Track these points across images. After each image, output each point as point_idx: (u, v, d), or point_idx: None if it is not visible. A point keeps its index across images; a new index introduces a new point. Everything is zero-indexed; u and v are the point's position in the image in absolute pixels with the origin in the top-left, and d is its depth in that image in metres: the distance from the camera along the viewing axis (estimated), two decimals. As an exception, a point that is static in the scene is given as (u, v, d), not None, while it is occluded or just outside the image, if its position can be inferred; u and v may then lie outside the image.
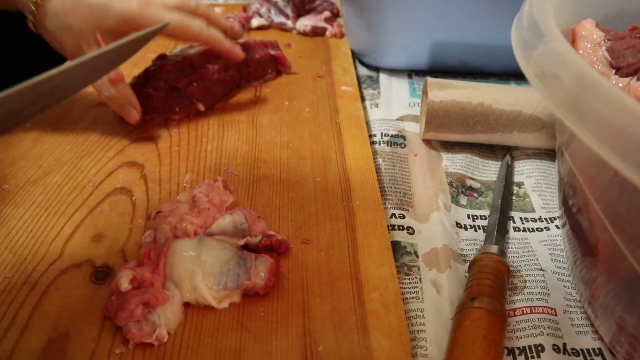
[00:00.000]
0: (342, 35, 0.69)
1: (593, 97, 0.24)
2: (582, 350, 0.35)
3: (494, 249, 0.39)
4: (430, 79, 0.51)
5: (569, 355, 0.34)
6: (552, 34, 0.28)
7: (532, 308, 0.37)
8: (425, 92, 0.53)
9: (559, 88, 0.26)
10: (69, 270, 0.37)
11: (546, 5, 0.34)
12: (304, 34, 0.69)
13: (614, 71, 0.34)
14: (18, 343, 0.32)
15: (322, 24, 0.69)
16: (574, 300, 0.38)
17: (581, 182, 0.31)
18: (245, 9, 0.74)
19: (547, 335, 0.35)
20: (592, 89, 0.25)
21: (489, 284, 0.36)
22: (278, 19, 0.70)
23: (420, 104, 0.54)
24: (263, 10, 0.71)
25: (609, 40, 0.35)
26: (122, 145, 0.49)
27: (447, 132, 0.50)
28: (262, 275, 0.34)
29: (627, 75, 0.33)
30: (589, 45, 0.36)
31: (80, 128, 0.52)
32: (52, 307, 0.34)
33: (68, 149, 0.49)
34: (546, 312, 0.37)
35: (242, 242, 0.37)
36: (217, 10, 0.79)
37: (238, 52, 0.52)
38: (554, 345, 0.35)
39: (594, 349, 0.35)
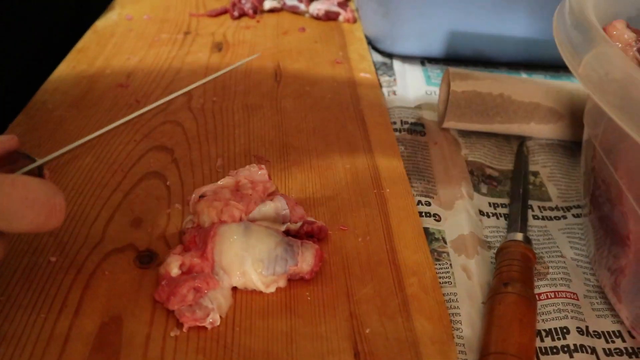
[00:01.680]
0: (355, 20, 0.70)
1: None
2: (603, 332, 0.37)
3: (520, 236, 0.41)
4: (452, 69, 0.52)
5: (592, 337, 0.37)
6: (601, 38, 0.30)
7: (556, 293, 0.39)
8: (445, 81, 0.54)
9: (611, 91, 0.28)
10: (112, 254, 0.38)
11: (587, 3, 0.35)
12: (316, 17, 0.70)
13: (644, 71, 0.36)
14: (72, 326, 0.33)
15: (336, 8, 0.69)
16: (592, 286, 0.40)
17: (615, 175, 0.33)
18: (256, -10, 0.74)
19: (571, 318, 0.37)
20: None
21: (519, 269, 0.38)
22: (290, 1, 0.70)
23: (438, 93, 0.56)
24: (275, -8, 0.71)
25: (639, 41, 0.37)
26: (149, 129, 0.50)
27: (467, 121, 0.52)
28: (309, 260, 0.35)
29: (657, 76, 0.35)
30: (619, 46, 0.38)
31: (103, 110, 0.52)
32: (101, 291, 0.35)
33: (94, 131, 0.49)
34: (569, 296, 0.39)
35: (282, 228, 0.38)
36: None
37: None
38: (577, 327, 0.37)
39: (614, 332, 0.37)
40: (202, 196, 0.39)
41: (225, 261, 0.35)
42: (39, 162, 0.32)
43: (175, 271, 0.34)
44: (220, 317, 0.34)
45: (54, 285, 0.35)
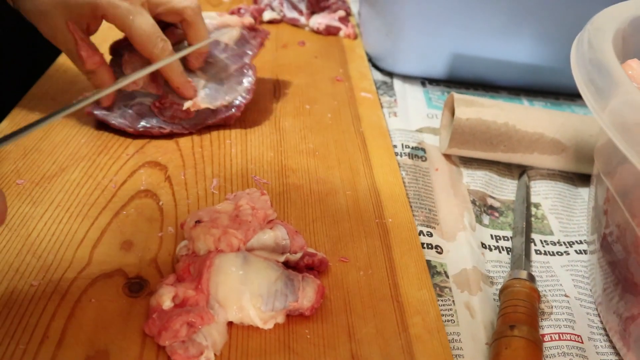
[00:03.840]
0: (355, 36, 0.68)
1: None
2: (609, 379, 0.36)
3: (524, 274, 0.40)
4: (456, 95, 0.51)
5: (597, 383, 0.36)
6: (627, 85, 0.29)
7: (560, 335, 0.38)
8: (448, 106, 0.53)
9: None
10: (100, 280, 0.35)
11: (606, 41, 0.34)
12: (317, 32, 0.68)
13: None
14: (55, 358, 0.31)
15: (337, 24, 0.67)
16: (596, 328, 0.39)
17: (632, 221, 0.32)
18: (256, 0, 0.72)
19: (576, 363, 0.36)
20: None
21: (524, 311, 0.37)
22: (291, 14, 0.69)
23: (440, 117, 0.54)
24: (275, 3, 0.69)
25: (657, 81, 0.36)
26: (141, 143, 0.47)
27: (470, 149, 0.51)
28: (310, 296, 0.34)
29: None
30: (636, 86, 0.37)
31: (93, 120, 0.49)
32: (86, 320, 0.33)
33: (83, 142, 0.47)
34: (573, 339, 0.38)
35: (282, 258, 0.36)
36: (225, -1, 0.77)
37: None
38: (583, 373, 0.36)
39: (620, 379, 0.36)
40: (198, 221, 0.37)
41: (221, 294, 0.33)
42: None
43: (167, 304, 0.32)
44: (215, 354, 0.32)
45: (35, 313, 0.33)
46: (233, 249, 0.35)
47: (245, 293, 0.33)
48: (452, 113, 0.52)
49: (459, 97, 0.51)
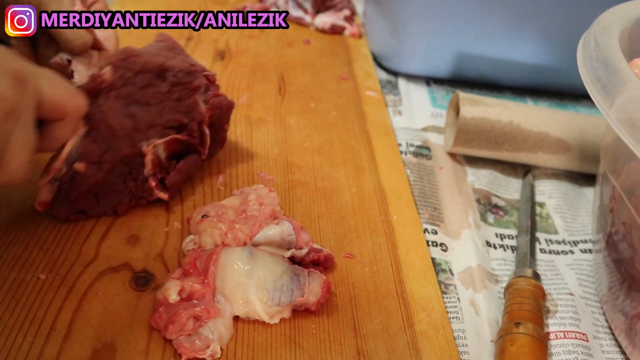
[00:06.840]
0: (360, 36, 0.69)
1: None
2: (614, 377, 0.36)
3: (529, 272, 0.40)
4: (461, 94, 0.51)
5: (602, 381, 0.36)
6: (634, 82, 0.29)
7: (565, 333, 0.38)
8: (453, 105, 0.53)
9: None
10: (106, 274, 0.36)
11: (613, 40, 0.34)
12: (322, 31, 0.68)
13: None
14: (62, 351, 0.31)
15: (342, 23, 0.68)
16: (601, 326, 0.39)
17: (638, 219, 0.32)
18: (261, -1, 0.72)
19: (581, 361, 0.36)
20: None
21: (530, 308, 0.37)
22: (296, 13, 0.69)
23: (445, 116, 0.54)
24: (281, 2, 0.69)
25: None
26: (147, 139, 0.47)
27: (475, 148, 0.51)
28: (316, 291, 0.34)
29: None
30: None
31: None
32: (93, 314, 0.33)
33: (89, 138, 0.47)
34: (578, 337, 0.38)
35: (288, 254, 0.36)
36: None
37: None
38: (588, 371, 0.36)
39: (625, 377, 0.36)
40: (204, 216, 0.37)
41: (227, 288, 0.33)
42: None
43: (173, 297, 0.32)
44: (221, 348, 0.32)
45: (43, 306, 0.33)
46: (239, 244, 0.35)
47: (251, 287, 0.33)
48: (457, 112, 0.52)
49: (463, 95, 0.51)
